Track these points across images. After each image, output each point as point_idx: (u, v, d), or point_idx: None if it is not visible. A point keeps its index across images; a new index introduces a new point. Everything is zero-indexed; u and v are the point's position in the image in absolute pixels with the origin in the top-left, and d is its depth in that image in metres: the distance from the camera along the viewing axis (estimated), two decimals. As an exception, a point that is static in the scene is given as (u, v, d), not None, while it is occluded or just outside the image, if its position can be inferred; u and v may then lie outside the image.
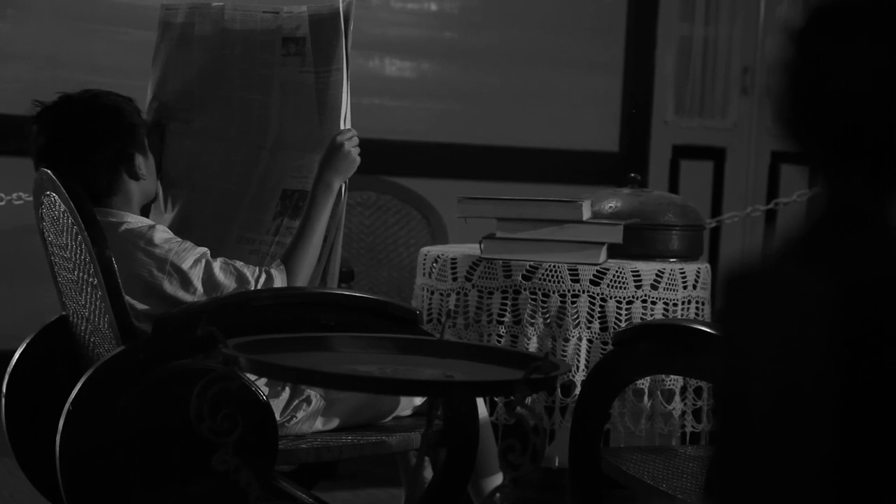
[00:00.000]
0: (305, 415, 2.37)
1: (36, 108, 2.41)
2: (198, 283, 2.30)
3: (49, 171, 2.35)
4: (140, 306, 2.30)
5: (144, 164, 2.39)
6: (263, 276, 2.35)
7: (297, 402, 2.38)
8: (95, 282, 2.25)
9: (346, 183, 2.45)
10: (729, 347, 1.07)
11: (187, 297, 2.29)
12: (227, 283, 2.32)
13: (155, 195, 2.48)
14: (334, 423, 2.41)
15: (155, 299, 2.30)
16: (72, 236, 2.31)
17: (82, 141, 2.34)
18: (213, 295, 2.30)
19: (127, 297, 2.25)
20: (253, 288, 2.32)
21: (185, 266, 2.30)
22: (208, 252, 2.35)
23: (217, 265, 2.33)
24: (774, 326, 1.03)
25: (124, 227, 2.34)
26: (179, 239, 2.35)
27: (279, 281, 2.36)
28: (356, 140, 2.43)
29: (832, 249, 1.04)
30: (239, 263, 2.35)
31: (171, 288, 2.30)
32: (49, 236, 2.46)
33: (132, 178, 2.37)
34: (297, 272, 2.39)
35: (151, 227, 2.34)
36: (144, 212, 2.51)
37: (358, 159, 2.42)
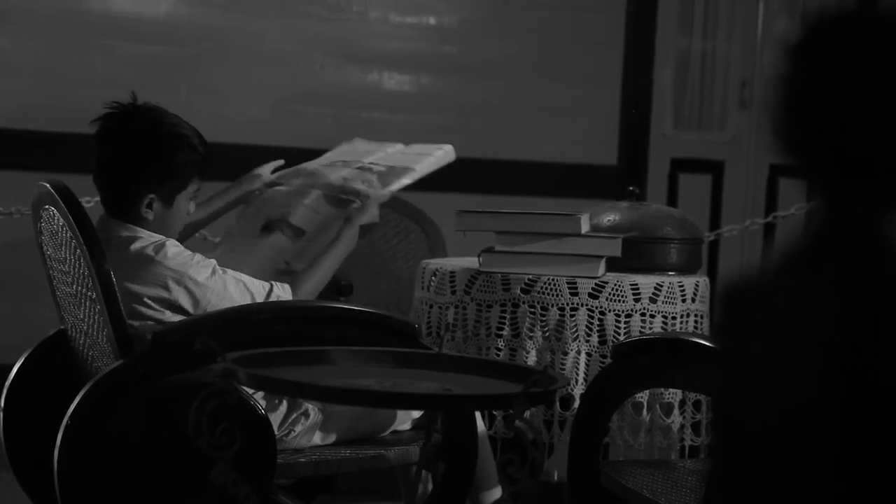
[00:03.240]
0: (303, 428, 2.37)
1: (110, 108, 2.40)
2: (211, 297, 2.31)
3: (48, 186, 2.35)
4: (149, 323, 2.31)
5: (161, 210, 2.36)
6: (271, 290, 2.37)
7: (295, 415, 2.37)
8: (94, 296, 2.25)
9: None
10: (727, 361, 1.07)
11: (199, 311, 2.30)
12: (238, 298, 2.33)
13: (178, 233, 2.44)
14: (332, 437, 2.40)
15: (170, 312, 2.31)
16: (70, 250, 2.31)
17: (131, 158, 2.34)
18: (224, 307, 2.31)
19: (135, 321, 2.27)
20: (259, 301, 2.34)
21: (201, 279, 2.31)
22: (216, 264, 2.36)
23: (230, 279, 2.34)
24: (773, 340, 1.03)
25: (137, 244, 2.34)
26: (190, 252, 2.36)
27: (285, 296, 2.38)
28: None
29: (830, 263, 1.04)
30: (247, 278, 2.37)
31: (186, 302, 2.30)
32: (48, 250, 2.46)
33: (144, 213, 2.36)
34: (304, 292, 2.43)
35: (164, 243, 2.34)
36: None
37: (376, 206, 2.59)
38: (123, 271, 2.29)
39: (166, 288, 2.30)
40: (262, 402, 2.29)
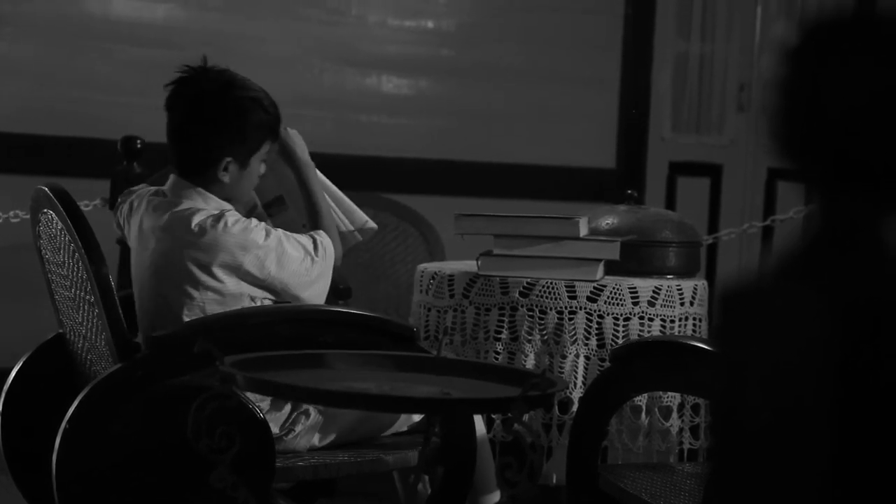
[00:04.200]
0: (303, 429, 2.37)
1: (180, 72, 2.41)
2: (272, 255, 2.33)
3: (46, 189, 2.35)
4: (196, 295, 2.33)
5: (236, 173, 2.39)
6: (316, 240, 2.42)
7: (295, 415, 2.37)
8: (92, 299, 2.25)
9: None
10: (725, 364, 1.07)
11: (264, 273, 2.33)
12: (291, 251, 2.37)
13: (238, 201, 2.47)
14: (331, 437, 2.40)
15: (235, 279, 2.33)
16: (69, 254, 2.31)
17: (204, 122, 2.37)
18: (287, 271, 2.35)
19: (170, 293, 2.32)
20: (313, 255, 2.39)
21: (261, 241, 2.34)
22: (269, 225, 2.41)
23: (281, 235, 2.38)
24: (771, 344, 1.03)
25: (197, 217, 2.35)
26: (245, 218, 2.38)
27: (326, 241, 2.43)
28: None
29: (829, 268, 1.04)
30: (295, 234, 2.41)
31: (253, 266, 2.33)
32: (46, 254, 2.46)
33: (220, 177, 2.38)
34: (330, 234, 2.48)
35: (223, 214, 2.35)
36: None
37: (299, 134, 2.57)
38: (188, 244, 2.32)
39: (233, 255, 2.32)
40: (266, 403, 2.30)
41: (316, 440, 2.39)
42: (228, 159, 2.37)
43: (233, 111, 2.37)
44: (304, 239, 2.42)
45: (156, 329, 2.30)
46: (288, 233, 2.40)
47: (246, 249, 2.32)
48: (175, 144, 2.42)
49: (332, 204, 2.60)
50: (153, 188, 2.48)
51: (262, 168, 2.46)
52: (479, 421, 2.45)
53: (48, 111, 4.21)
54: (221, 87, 2.39)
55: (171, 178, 2.43)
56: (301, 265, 2.38)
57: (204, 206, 2.38)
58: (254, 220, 2.38)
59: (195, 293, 2.32)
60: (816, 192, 1.08)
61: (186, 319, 2.31)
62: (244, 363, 1.83)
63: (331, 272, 2.44)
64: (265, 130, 2.42)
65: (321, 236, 2.45)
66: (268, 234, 2.36)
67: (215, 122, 2.37)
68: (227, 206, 2.40)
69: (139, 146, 3.45)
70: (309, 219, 2.53)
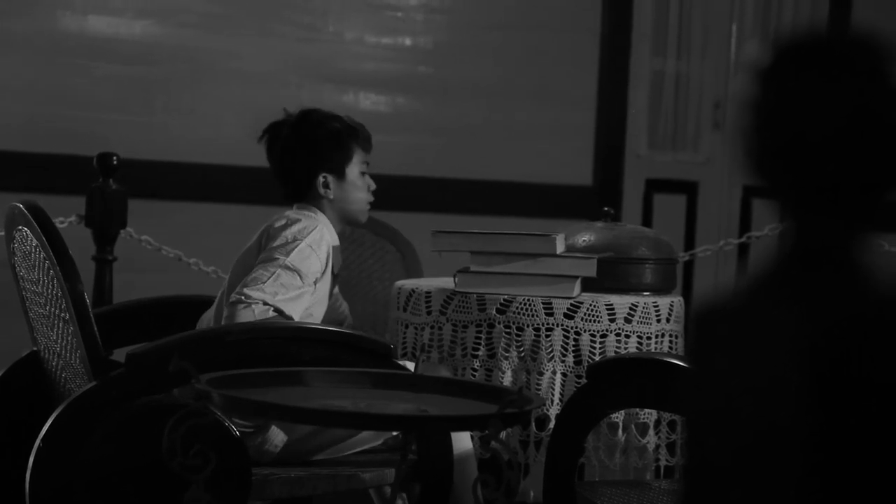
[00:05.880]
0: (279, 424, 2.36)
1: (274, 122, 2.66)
2: (270, 294, 2.41)
3: (21, 206, 2.34)
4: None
5: (336, 185, 2.60)
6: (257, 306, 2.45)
7: None
8: (67, 317, 2.23)
9: None
10: (700, 384, 1.08)
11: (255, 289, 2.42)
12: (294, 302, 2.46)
13: (356, 217, 2.67)
14: (309, 427, 2.39)
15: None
16: (44, 271, 2.30)
17: (291, 147, 2.60)
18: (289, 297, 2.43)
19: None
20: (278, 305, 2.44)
21: (300, 267, 2.46)
22: (307, 296, 2.48)
23: (307, 292, 2.47)
24: (745, 364, 1.03)
25: (280, 222, 2.53)
26: (307, 252, 2.48)
27: (260, 312, 2.44)
28: None
29: (802, 288, 1.04)
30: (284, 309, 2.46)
31: (258, 272, 2.44)
32: (21, 271, 2.45)
33: (324, 193, 2.60)
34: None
35: (297, 239, 2.49)
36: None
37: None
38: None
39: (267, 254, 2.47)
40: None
41: (293, 435, 2.38)
42: (324, 174, 2.59)
43: (310, 129, 2.60)
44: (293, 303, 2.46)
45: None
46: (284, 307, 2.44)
47: (287, 252, 2.45)
48: (282, 183, 2.64)
49: None
50: None
51: (369, 181, 2.64)
52: (465, 438, 2.44)
53: (23, 127, 4.19)
54: (299, 116, 2.63)
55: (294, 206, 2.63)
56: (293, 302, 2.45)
57: (305, 220, 2.53)
58: (320, 254, 2.50)
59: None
60: (789, 211, 1.08)
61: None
62: (220, 381, 1.82)
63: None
64: (350, 138, 2.61)
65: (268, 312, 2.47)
66: (307, 276, 2.46)
67: (299, 143, 2.59)
68: (326, 221, 2.56)
69: (115, 162, 3.43)
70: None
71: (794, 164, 1.07)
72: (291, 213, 2.60)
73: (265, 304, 2.40)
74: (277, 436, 2.36)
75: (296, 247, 2.47)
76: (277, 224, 2.54)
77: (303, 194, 2.62)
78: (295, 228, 2.51)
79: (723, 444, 1.04)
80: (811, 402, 0.99)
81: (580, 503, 2.26)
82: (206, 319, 2.59)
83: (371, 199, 2.67)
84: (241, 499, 2.15)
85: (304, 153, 2.59)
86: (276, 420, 2.32)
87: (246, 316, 2.38)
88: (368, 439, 2.47)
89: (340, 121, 2.63)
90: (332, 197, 2.60)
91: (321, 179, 2.59)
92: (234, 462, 2.13)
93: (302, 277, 2.45)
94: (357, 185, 2.62)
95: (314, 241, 2.50)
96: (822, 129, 1.06)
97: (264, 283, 2.42)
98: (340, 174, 2.60)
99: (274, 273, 2.43)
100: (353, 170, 2.62)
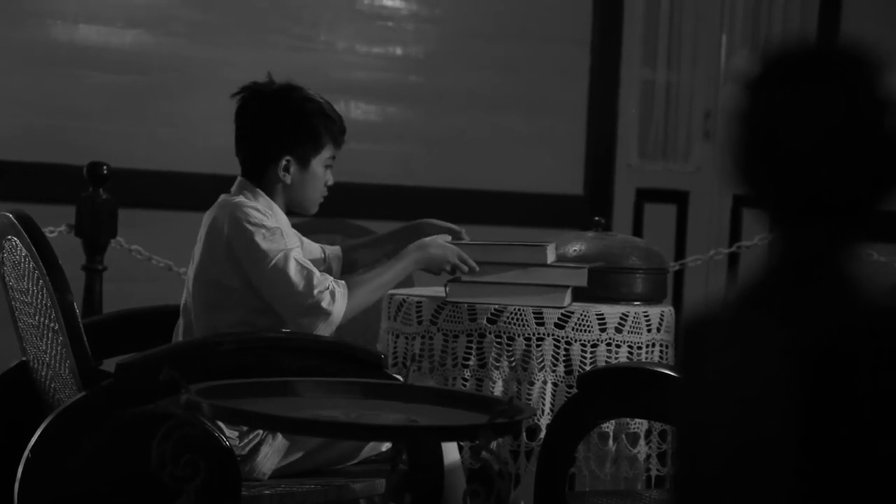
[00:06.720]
0: (270, 450, 2.35)
1: (247, 85, 2.51)
2: (269, 269, 2.34)
3: (10, 216, 2.33)
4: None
5: (297, 172, 2.47)
6: (329, 288, 2.37)
7: (262, 436, 2.35)
8: (57, 326, 2.23)
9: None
10: (690, 394, 1.08)
11: (255, 277, 2.35)
12: (297, 280, 2.35)
13: (306, 209, 2.53)
14: (297, 455, 2.38)
15: (232, 271, 2.38)
16: (33, 281, 2.29)
17: (264, 120, 2.46)
18: (279, 287, 2.35)
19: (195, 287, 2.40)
20: (315, 293, 2.34)
21: (262, 246, 2.35)
22: (293, 250, 2.39)
23: (293, 265, 2.36)
24: (735, 374, 1.03)
25: (235, 199, 2.43)
26: (272, 227, 2.39)
27: (340, 296, 2.38)
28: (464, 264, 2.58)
29: (791, 299, 1.04)
30: (312, 267, 2.39)
31: (250, 267, 2.36)
32: (10, 281, 2.44)
33: (282, 176, 2.45)
34: (356, 300, 2.43)
35: (256, 208, 2.40)
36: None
37: (446, 267, 2.58)
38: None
39: (229, 246, 2.38)
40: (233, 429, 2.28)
41: (282, 462, 2.37)
42: (288, 158, 2.45)
43: (290, 110, 2.46)
44: (320, 278, 2.37)
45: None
46: (305, 264, 2.37)
47: (242, 235, 2.35)
48: (239, 149, 2.50)
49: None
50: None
51: (328, 176, 2.52)
52: (454, 447, 2.44)
53: (13, 136, 4.18)
54: (281, 89, 2.48)
55: (237, 179, 2.50)
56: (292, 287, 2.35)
57: (256, 203, 2.42)
58: (278, 233, 2.38)
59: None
60: (777, 222, 1.09)
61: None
62: (210, 391, 1.82)
63: (325, 323, 2.37)
64: (326, 133, 2.49)
65: (342, 288, 2.40)
66: (276, 252, 2.35)
67: (273, 119, 2.45)
68: (279, 212, 2.45)
69: (105, 172, 3.43)
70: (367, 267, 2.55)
71: (783, 175, 1.08)
72: (229, 205, 2.43)
73: (315, 286, 2.34)
74: (265, 463, 2.35)
75: (260, 236, 2.36)
76: (229, 231, 2.39)
77: (258, 172, 2.47)
78: (248, 230, 2.37)
79: (713, 454, 1.04)
80: (800, 413, 0.99)
81: (571, 513, 2.25)
82: (179, 330, 2.50)
83: (326, 193, 2.55)
84: (231, 509, 2.15)
85: (275, 132, 2.45)
86: (265, 430, 2.32)
87: (331, 309, 2.35)
88: (369, 450, 2.47)
89: (320, 108, 2.48)
90: (288, 182, 2.46)
91: (283, 163, 2.45)
92: (224, 472, 2.12)
93: (284, 236, 2.39)
94: (317, 178, 2.49)
95: (260, 219, 2.39)
96: (810, 139, 1.06)
97: (292, 282, 2.34)
98: (305, 163, 2.47)
99: (279, 272, 2.35)
100: (318, 165, 2.50)
